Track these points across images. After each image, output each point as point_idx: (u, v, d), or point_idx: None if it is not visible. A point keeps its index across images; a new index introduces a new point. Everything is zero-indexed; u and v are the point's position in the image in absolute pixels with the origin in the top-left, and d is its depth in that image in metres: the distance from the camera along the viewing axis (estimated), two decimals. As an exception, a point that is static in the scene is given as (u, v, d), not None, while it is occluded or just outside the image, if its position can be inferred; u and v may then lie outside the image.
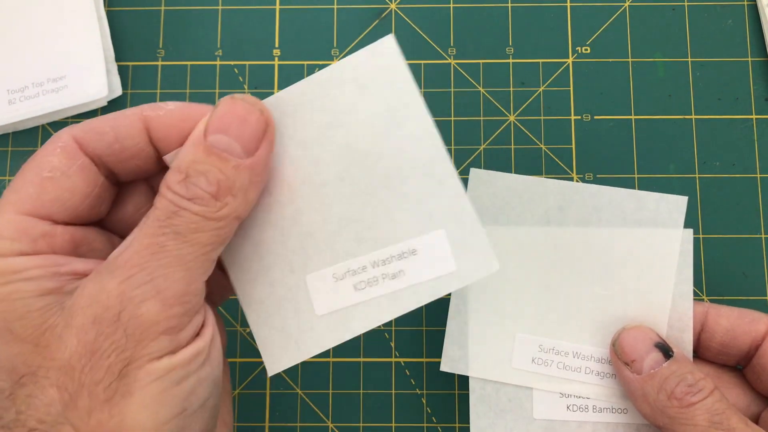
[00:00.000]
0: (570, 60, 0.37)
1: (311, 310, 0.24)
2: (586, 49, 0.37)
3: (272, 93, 0.37)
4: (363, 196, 0.23)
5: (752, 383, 0.29)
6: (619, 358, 0.28)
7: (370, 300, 0.23)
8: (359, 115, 0.23)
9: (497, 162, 0.36)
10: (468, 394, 0.30)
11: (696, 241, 0.35)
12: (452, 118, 0.36)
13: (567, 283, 0.29)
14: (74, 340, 0.20)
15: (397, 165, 0.23)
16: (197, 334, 0.22)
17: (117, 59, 0.37)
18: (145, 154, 0.24)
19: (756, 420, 0.29)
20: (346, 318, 0.23)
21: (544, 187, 0.30)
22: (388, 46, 0.23)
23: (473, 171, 0.30)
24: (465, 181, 0.25)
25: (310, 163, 0.24)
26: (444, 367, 0.30)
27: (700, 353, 0.30)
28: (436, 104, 0.36)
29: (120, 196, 0.25)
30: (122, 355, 0.20)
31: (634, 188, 0.35)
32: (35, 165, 0.23)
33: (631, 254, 0.29)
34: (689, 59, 0.37)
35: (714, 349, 0.29)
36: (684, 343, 0.28)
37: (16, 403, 0.21)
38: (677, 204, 0.29)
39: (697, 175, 0.36)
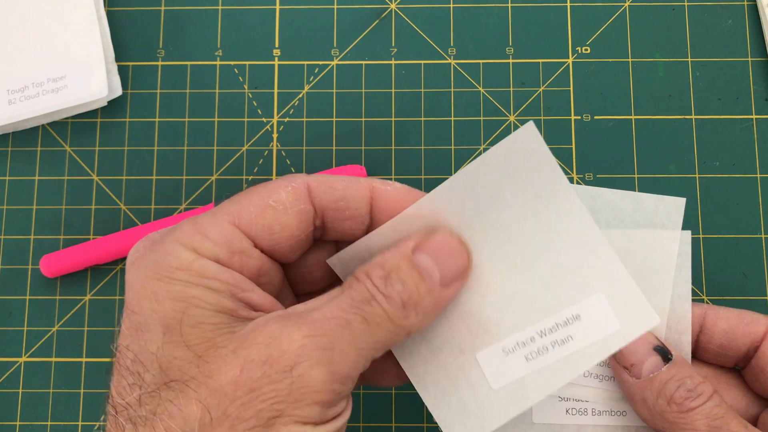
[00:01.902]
0: (570, 60, 0.37)
1: (487, 386, 0.25)
2: (586, 49, 0.37)
3: (272, 92, 0.37)
4: (519, 271, 0.25)
5: (750, 384, 0.29)
6: (618, 362, 0.28)
7: (543, 368, 0.24)
8: (509, 199, 0.24)
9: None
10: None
11: (696, 241, 0.35)
12: (452, 118, 0.36)
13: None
14: (237, 370, 0.21)
15: (549, 239, 0.24)
16: (338, 415, 0.22)
17: (117, 59, 0.37)
18: (360, 220, 0.25)
19: (754, 421, 0.29)
20: (522, 387, 0.24)
21: None
22: (530, 132, 0.24)
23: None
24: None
25: None
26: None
27: (698, 355, 0.30)
28: (436, 104, 0.36)
29: (311, 249, 0.26)
30: (277, 405, 0.20)
31: (635, 188, 0.35)
32: (265, 191, 0.24)
33: (630, 256, 0.29)
34: (689, 59, 0.37)
35: (713, 350, 0.29)
36: (683, 345, 0.28)
37: (153, 402, 0.21)
38: (676, 205, 0.29)
39: (697, 175, 0.36)
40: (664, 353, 0.27)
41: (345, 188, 0.25)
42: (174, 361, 0.21)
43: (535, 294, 0.25)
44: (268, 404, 0.20)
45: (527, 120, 0.36)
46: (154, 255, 0.22)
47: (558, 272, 0.24)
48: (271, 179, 0.36)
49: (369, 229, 0.25)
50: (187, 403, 0.20)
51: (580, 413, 0.29)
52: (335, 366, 0.21)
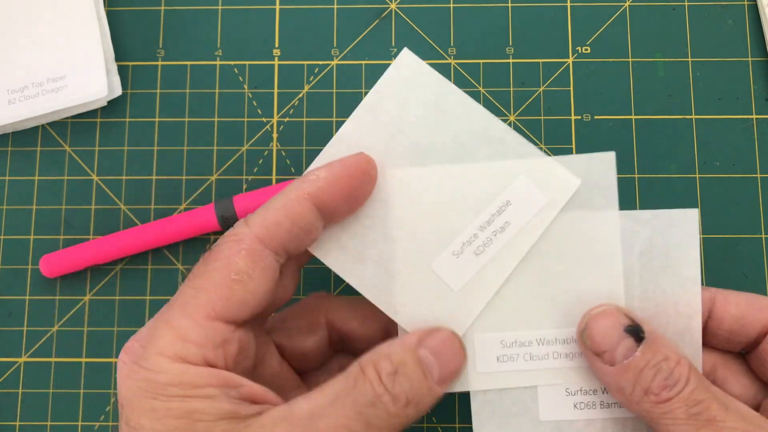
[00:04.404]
0: (570, 60, 0.37)
1: (450, 290, 0.27)
2: (586, 49, 0.37)
3: (272, 92, 0.37)
4: (446, 182, 0.27)
5: (756, 370, 0.28)
6: (589, 349, 0.26)
7: (494, 256, 0.27)
8: (413, 119, 0.28)
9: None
10: (467, 393, 0.29)
11: (696, 241, 0.35)
12: (452, 118, 0.36)
13: (520, 267, 0.28)
14: None
15: (461, 143, 0.27)
16: None
17: (117, 59, 0.37)
18: (315, 227, 0.26)
19: (757, 407, 0.28)
20: (481, 280, 0.27)
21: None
22: (408, 56, 0.28)
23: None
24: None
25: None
26: None
27: (706, 340, 0.28)
28: (436, 104, 0.36)
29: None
30: None
31: (635, 188, 0.35)
32: (221, 266, 0.24)
33: (572, 221, 0.28)
34: (689, 59, 0.37)
35: (721, 336, 0.28)
36: (692, 330, 0.27)
37: None
38: (606, 161, 0.27)
39: (697, 175, 0.36)
40: (636, 332, 0.25)
41: (287, 216, 0.25)
42: None
43: (464, 194, 0.27)
44: None
45: (527, 120, 0.36)
46: (143, 372, 0.22)
47: (480, 170, 0.27)
48: (270, 180, 0.36)
49: (326, 226, 0.27)
50: None
51: (589, 407, 0.28)
52: None
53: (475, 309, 0.27)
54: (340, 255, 0.27)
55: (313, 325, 0.29)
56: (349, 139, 0.27)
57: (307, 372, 0.30)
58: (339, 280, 0.33)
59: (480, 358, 0.27)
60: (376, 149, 0.27)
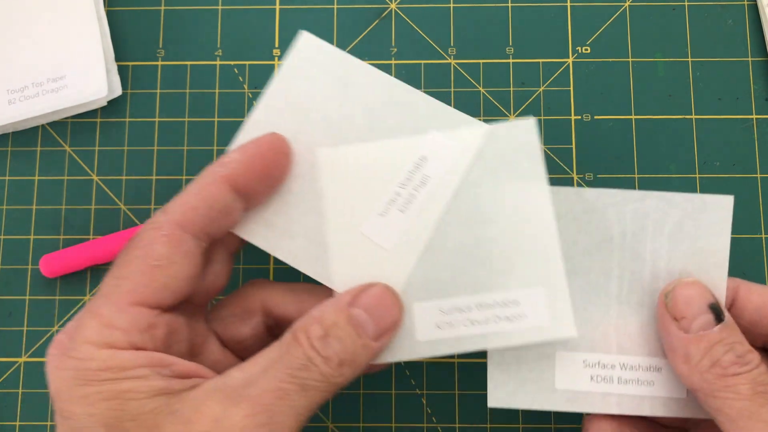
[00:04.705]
0: (570, 60, 0.37)
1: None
2: (586, 49, 0.37)
3: (272, 93, 0.37)
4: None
5: None
6: (669, 311, 0.26)
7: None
8: (322, 98, 0.28)
9: (497, 162, 0.36)
10: (468, 393, 0.29)
11: (696, 241, 0.35)
12: (452, 118, 0.36)
13: (450, 229, 0.27)
14: None
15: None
16: None
17: (117, 59, 0.37)
18: (234, 209, 0.26)
19: None
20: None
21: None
22: (307, 38, 0.29)
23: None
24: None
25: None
26: None
27: None
28: (436, 104, 0.36)
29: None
30: None
31: (635, 188, 0.35)
32: (141, 254, 0.24)
33: (499, 185, 0.28)
34: (689, 59, 0.37)
35: (742, 326, 0.27)
36: None
37: None
38: (528, 126, 0.27)
39: (697, 175, 0.36)
40: (718, 313, 0.26)
41: (203, 199, 0.25)
42: None
43: (384, 159, 0.28)
44: None
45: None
46: (72, 362, 0.22)
47: (396, 140, 0.28)
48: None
49: (248, 207, 0.27)
50: None
51: (606, 381, 0.28)
52: None
53: (408, 265, 0.27)
54: (268, 233, 0.28)
55: (247, 312, 0.29)
56: (261, 124, 0.28)
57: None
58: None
59: (419, 326, 0.27)
60: (290, 129, 0.28)
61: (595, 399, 0.28)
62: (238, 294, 0.29)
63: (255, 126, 0.28)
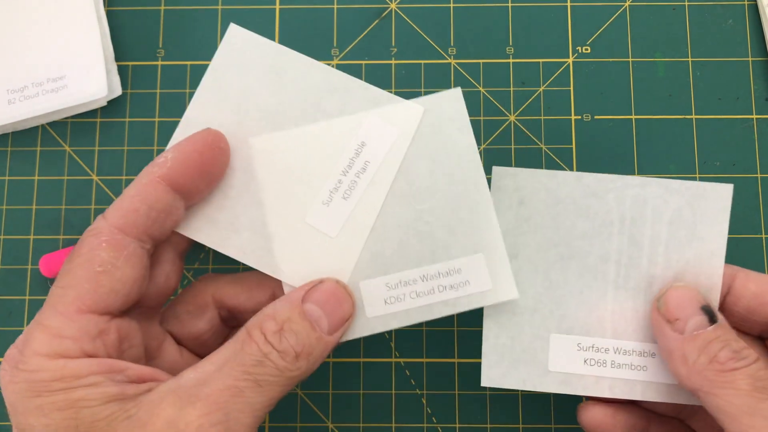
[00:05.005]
0: (570, 60, 0.37)
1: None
2: (586, 49, 0.37)
3: (272, 93, 0.37)
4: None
5: None
6: (662, 315, 0.27)
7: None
8: (259, 87, 0.28)
9: (497, 162, 0.36)
10: (468, 393, 0.30)
11: (696, 241, 0.35)
12: (452, 118, 0.36)
13: (391, 207, 0.28)
14: None
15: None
16: None
17: (117, 59, 0.37)
18: (175, 208, 0.26)
19: None
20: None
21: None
22: (236, 30, 0.29)
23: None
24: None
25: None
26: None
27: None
28: (436, 104, 0.36)
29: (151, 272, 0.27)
30: None
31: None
32: (85, 261, 0.24)
33: (432, 155, 0.28)
34: (689, 59, 0.37)
35: (738, 314, 0.28)
36: (709, 302, 0.27)
37: None
38: (455, 96, 0.28)
39: (697, 175, 0.36)
40: (711, 314, 0.26)
41: (142, 200, 0.25)
42: None
43: (322, 147, 0.28)
44: None
45: (527, 120, 0.36)
46: (23, 374, 0.22)
47: (332, 124, 0.28)
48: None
49: (189, 205, 0.27)
50: None
51: (599, 365, 0.28)
52: None
53: (355, 251, 0.27)
54: (212, 229, 0.28)
55: (200, 307, 0.29)
56: (196, 121, 0.28)
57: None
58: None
59: (368, 303, 0.27)
60: (226, 123, 0.28)
61: (588, 382, 0.28)
62: (189, 290, 0.29)
63: (190, 123, 0.28)
